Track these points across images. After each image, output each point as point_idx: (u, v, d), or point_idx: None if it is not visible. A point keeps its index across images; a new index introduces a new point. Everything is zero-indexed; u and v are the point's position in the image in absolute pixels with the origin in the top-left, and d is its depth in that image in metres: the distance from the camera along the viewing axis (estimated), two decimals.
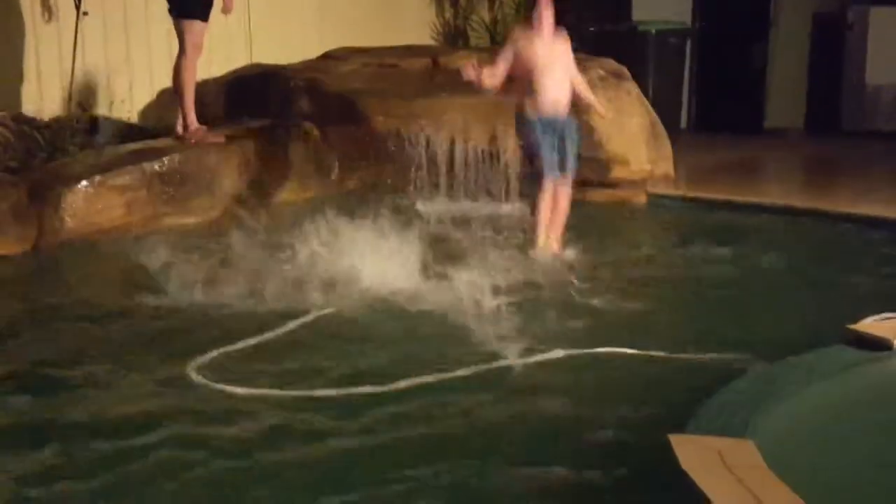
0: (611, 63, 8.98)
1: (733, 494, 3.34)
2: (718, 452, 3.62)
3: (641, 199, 8.63)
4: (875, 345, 4.76)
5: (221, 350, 5.15)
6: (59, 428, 4.34)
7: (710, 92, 12.11)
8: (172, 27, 8.66)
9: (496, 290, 5.76)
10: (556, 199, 7.04)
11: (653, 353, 5.06)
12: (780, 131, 11.71)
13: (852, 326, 4.94)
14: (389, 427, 4.29)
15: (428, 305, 5.67)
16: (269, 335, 5.39)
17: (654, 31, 10.95)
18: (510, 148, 8.33)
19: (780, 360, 4.63)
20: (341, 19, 11.03)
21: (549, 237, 7.05)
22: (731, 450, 3.65)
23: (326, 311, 5.71)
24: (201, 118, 8.45)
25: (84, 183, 7.49)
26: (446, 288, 5.83)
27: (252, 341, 5.30)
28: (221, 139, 8.35)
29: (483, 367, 4.88)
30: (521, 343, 5.11)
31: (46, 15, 9.09)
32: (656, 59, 10.91)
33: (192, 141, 8.22)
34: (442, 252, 6.62)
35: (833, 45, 11.68)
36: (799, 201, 8.38)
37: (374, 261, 6.18)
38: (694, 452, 3.63)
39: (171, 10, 8.20)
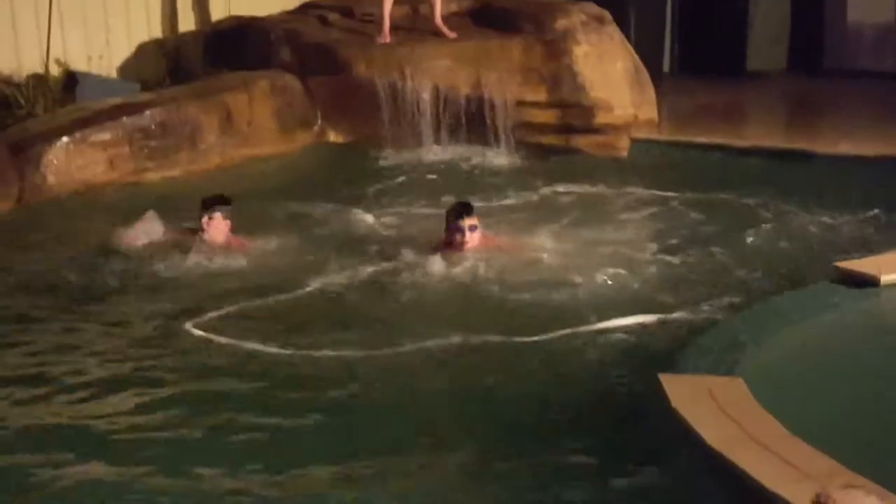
0: (592, 7, 8.90)
1: (722, 429, 3.37)
2: (708, 390, 3.65)
3: (625, 143, 8.59)
4: (862, 281, 4.79)
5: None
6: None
7: (692, 35, 12.04)
8: None
9: None
10: None
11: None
12: (763, 73, 11.67)
13: (839, 264, 4.96)
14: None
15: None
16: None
17: None
18: (495, 92, 8.31)
19: (768, 297, 4.65)
20: None
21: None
22: (720, 387, 3.68)
23: None
24: (179, 72, 8.40)
25: (65, 139, 7.44)
26: None
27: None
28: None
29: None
30: None
31: None
32: (638, 2, 10.84)
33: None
34: None
35: None
36: (780, 142, 8.36)
37: None
38: (684, 391, 3.66)
39: None
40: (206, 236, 6.04)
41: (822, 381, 3.98)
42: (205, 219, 6.06)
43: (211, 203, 6.12)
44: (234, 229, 6.17)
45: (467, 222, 5.78)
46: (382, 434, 3.93)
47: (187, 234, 6.16)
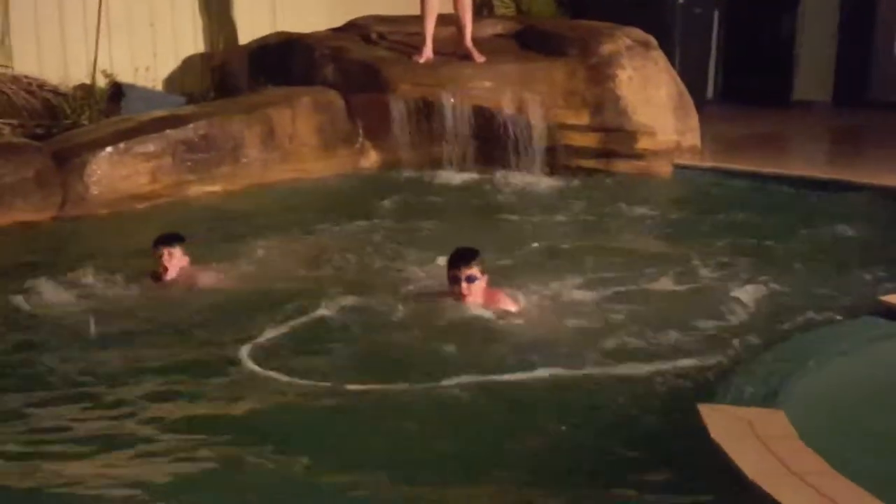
0: (638, 32, 8.88)
1: (763, 463, 3.31)
2: (749, 422, 3.59)
3: (667, 170, 8.53)
4: None
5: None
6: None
7: (737, 63, 11.98)
8: None
9: None
10: None
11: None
12: (808, 103, 11.59)
13: (883, 298, 4.88)
14: None
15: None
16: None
17: (680, 0, 10.84)
18: (538, 115, 8.29)
19: (810, 330, 4.59)
20: None
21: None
22: (761, 419, 3.62)
23: None
24: (224, 85, 8.45)
25: (108, 150, 7.49)
26: None
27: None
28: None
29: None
30: None
31: None
32: (683, 28, 10.80)
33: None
34: None
35: (862, 16, 11.52)
36: (824, 172, 8.28)
37: None
38: (724, 422, 3.60)
39: None
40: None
41: (865, 416, 3.90)
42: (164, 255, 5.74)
43: (156, 242, 5.81)
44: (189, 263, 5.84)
45: (465, 272, 5.08)
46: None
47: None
